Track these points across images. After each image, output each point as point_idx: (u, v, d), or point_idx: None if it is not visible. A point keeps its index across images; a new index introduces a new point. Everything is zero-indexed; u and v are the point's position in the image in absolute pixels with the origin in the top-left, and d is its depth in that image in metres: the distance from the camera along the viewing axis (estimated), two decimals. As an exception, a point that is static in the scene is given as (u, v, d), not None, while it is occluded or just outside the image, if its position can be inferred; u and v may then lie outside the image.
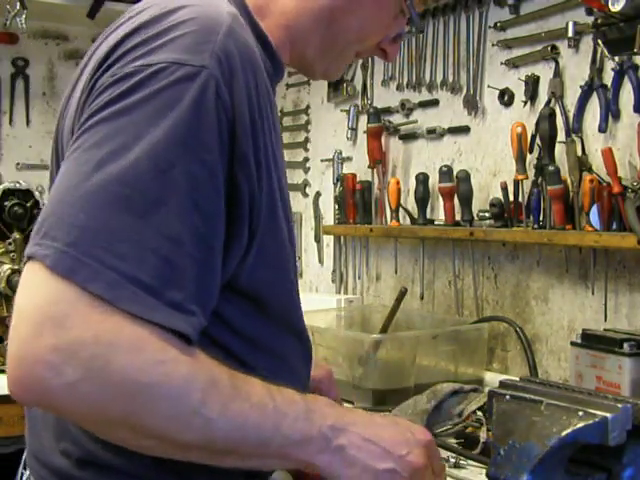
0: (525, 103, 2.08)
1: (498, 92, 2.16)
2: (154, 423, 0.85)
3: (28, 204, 2.61)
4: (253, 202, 0.93)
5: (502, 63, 2.16)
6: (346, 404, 1.97)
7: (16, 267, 2.46)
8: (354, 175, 2.63)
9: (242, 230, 0.92)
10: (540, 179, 1.97)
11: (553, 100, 1.99)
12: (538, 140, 1.99)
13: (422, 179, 2.34)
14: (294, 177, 3.10)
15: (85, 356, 0.80)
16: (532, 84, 2.05)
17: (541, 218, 1.96)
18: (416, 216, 2.36)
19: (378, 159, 2.52)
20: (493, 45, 2.19)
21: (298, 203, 3.08)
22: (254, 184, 0.92)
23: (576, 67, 1.96)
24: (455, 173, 2.20)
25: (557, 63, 2.00)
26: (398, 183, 2.43)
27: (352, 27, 1.14)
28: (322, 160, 2.90)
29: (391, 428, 0.99)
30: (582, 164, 1.89)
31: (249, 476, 1.00)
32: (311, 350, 1.14)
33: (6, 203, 2.57)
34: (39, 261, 0.82)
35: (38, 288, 0.82)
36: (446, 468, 1.14)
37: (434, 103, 2.40)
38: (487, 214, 2.13)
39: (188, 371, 0.85)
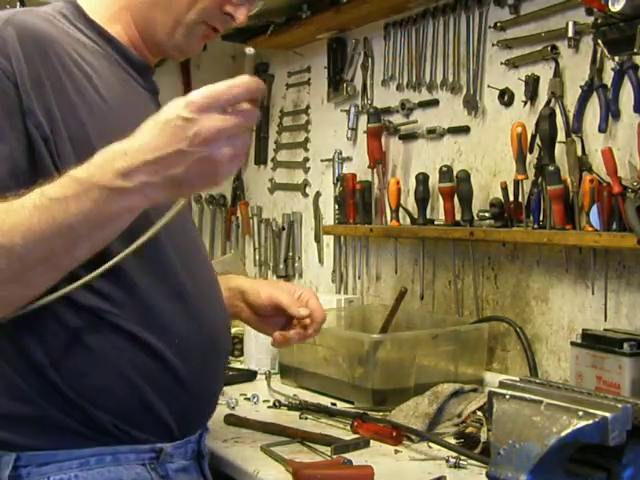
0: (525, 103, 2.08)
1: (498, 92, 2.16)
2: None
3: None
4: (48, 142, 1.13)
5: (502, 63, 2.16)
6: (346, 404, 1.98)
7: None
8: (354, 175, 2.63)
9: (46, 163, 1.13)
10: (540, 179, 1.97)
11: (553, 100, 1.99)
12: (538, 140, 1.99)
13: (422, 179, 2.34)
14: (294, 177, 3.10)
15: None
16: (532, 84, 2.05)
17: (541, 218, 1.96)
18: (416, 216, 2.36)
19: (378, 159, 2.51)
20: (493, 45, 2.19)
21: (298, 203, 3.08)
22: (44, 128, 1.13)
23: (576, 67, 1.96)
24: (455, 173, 2.20)
25: (557, 63, 2.00)
26: (398, 183, 2.43)
27: None
28: (322, 160, 2.90)
29: (167, 131, 0.98)
30: (582, 164, 1.89)
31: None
32: None
33: None
34: None
35: None
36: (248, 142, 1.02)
37: (434, 103, 2.40)
38: (487, 214, 2.12)
39: None
